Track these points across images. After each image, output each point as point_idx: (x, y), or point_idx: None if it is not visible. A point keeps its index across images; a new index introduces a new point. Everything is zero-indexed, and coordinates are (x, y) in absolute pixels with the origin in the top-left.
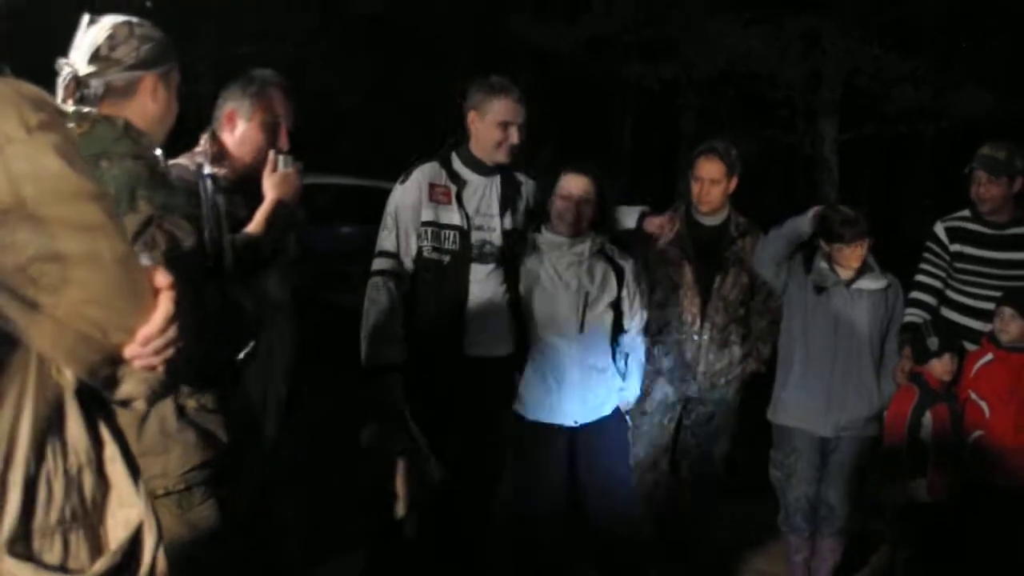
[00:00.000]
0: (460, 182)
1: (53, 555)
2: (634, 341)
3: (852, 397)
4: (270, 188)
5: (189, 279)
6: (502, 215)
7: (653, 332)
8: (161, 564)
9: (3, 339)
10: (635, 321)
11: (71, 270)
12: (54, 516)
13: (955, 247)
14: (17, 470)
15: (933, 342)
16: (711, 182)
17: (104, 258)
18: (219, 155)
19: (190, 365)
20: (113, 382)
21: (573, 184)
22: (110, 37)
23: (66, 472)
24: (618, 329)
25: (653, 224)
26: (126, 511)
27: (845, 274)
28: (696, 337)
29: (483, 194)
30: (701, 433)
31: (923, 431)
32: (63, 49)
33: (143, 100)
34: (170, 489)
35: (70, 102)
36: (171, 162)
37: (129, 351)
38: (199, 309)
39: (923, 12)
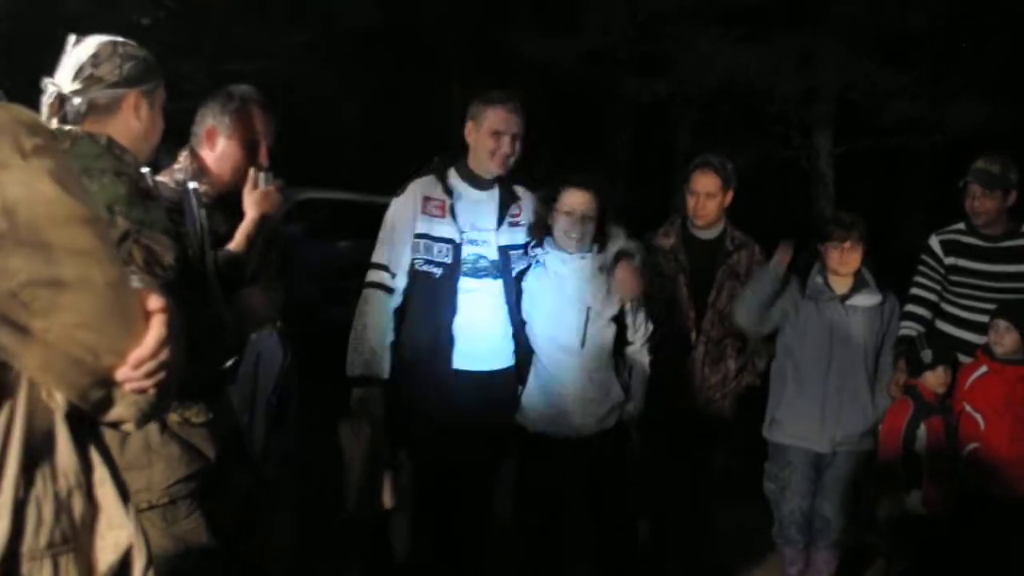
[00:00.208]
0: (455, 196)
1: None
2: (638, 354)
3: (847, 411)
4: (251, 205)
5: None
6: (499, 229)
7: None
8: None
9: None
10: (639, 334)
11: (63, 295)
12: (43, 540)
13: (950, 260)
14: (6, 494)
15: (927, 355)
16: (707, 196)
17: (96, 282)
18: (199, 172)
19: (176, 383)
20: (104, 405)
21: (576, 199)
22: (94, 56)
23: (56, 495)
24: (622, 342)
25: (620, 273)
26: (116, 533)
27: (840, 289)
28: (691, 351)
29: (479, 208)
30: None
31: (918, 444)
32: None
33: (126, 117)
34: (154, 503)
35: (54, 120)
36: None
37: (121, 374)
38: (188, 328)
39: (916, 26)
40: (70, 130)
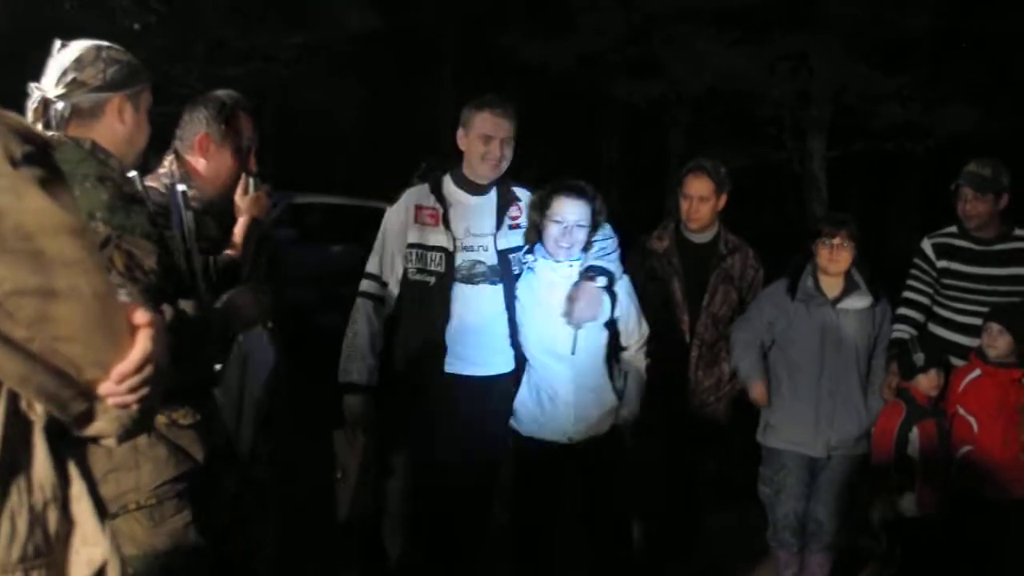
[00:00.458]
0: (448, 203)
1: None
2: (634, 359)
3: (841, 415)
4: (244, 210)
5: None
6: (497, 233)
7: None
8: None
9: None
10: (634, 338)
11: (49, 305)
12: (16, 553)
13: (942, 263)
14: None
15: (919, 358)
16: (700, 199)
17: (83, 294)
18: (186, 177)
19: (160, 401)
20: (85, 418)
21: (569, 209)
22: (77, 60)
23: (31, 508)
24: (616, 347)
25: (578, 292)
26: (90, 550)
27: (831, 292)
28: (685, 354)
29: (474, 213)
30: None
31: (910, 447)
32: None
33: (110, 121)
34: (142, 503)
35: (39, 125)
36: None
37: (103, 388)
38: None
39: (910, 30)
40: (53, 135)
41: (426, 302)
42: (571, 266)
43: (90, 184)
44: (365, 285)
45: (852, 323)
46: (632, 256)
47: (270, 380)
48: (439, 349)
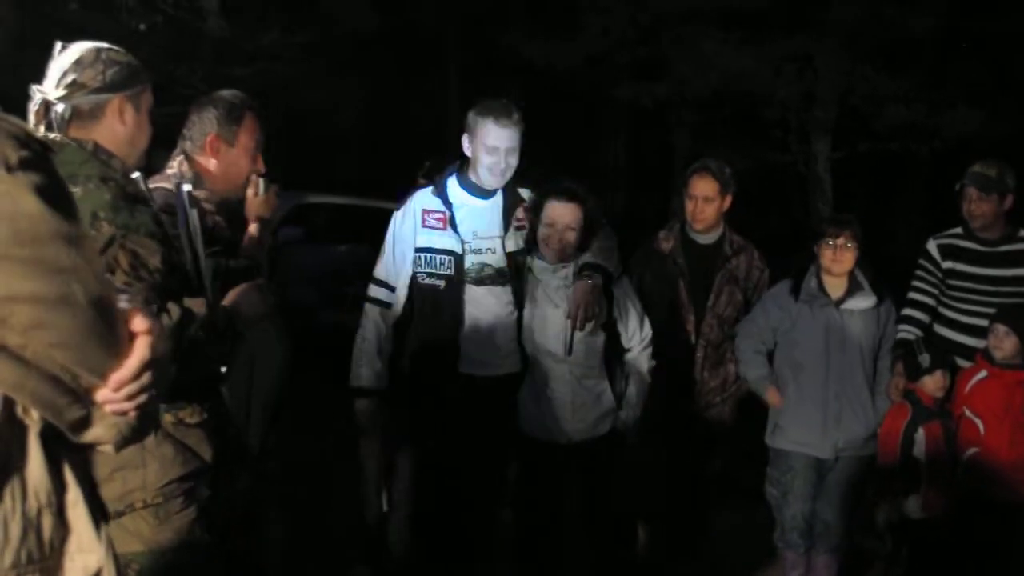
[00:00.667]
0: (456, 206)
1: None
2: (637, 359)
3: (847, 416)
4: (255, 209)
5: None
6: (505, 235)
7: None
8: None
9: None
10: (635, 339)
11: (43, 312)
12: (8, 559)
13: (947, 264)
14: None
15: (925, 359)
16: (705, 200)
17: (78, 301)
18: (198, 178)
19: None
20: (81, 425)
21: (559, 212)
22: (77, 62)
23: (24, 514)
24: (617, 349)
25: (575, 292)
26: (85, 557)
27: (835, 293)
28: (691, 355)
29: (482, 217)
30: (695, 448)
31: (916, 448)
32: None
33: (111, 122)
34: (148, 502)
35: (40, 127)
36: (152, 186)
37: (100, 395)
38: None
39: (915, 31)
40: (56, 137)
41: (437, 305)
42: (566, 267)
43: (93, 185)
44: (373, 291)
45: (856, 323)
46: (637, 257)
47: (278, 377)
48: (452, 351)
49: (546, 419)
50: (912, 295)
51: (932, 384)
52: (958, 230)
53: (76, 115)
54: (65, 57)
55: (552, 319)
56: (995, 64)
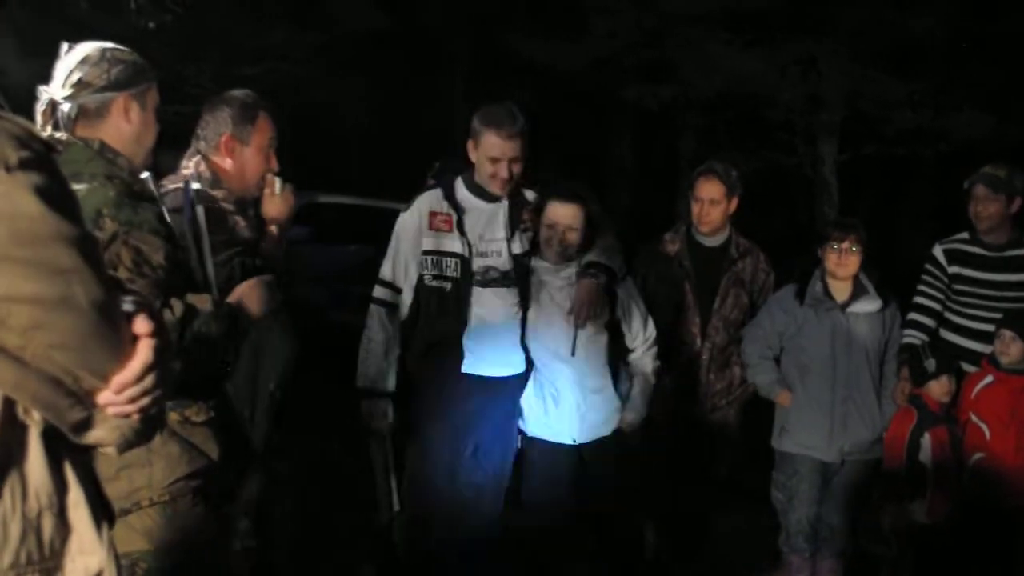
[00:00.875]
0: (461, 209)
1: None
2: (641, 360)
3: (854, 420)
4: (273, 209)
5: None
6: (511, 238)
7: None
8: None
9: None
10: (639, 339)
11: (42, 313)
12: (7, 560)
13: (953, 269)
14: None
15: (930, 364)
16: (711, 202)
17: (79, 303)
18: (215, 178)
19: (164, 412)
20: (83, 427)
21: (560, 213)
22: (82, 61)
23: (24, 515)
24: (620, 349)
25: (578, 290)
26: (86, 558)
27: (840, 296)
28: (696, 357)
29: (488, 219)
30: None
31: (922, 453)
32: None
33: (116, 121)
34: (155, 500)
35: (48, 127)
36: (171, 187)
37: (102, 398)
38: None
39: (922, 35)
40: (63, 136)
41: (442, 306)
42: (570, 268)
43: (98, 183)
44: (379, 292)
45: (862, 327)
46: (643, 259)
47: (283, 375)
48: (457, 350)
49: (551, 420)
50: (918, 300)
51: (938, 389)
52: (964, 235)
53: (82, 114)
54: (71, 57)
55: (556, 320)
56: (1003, 67)
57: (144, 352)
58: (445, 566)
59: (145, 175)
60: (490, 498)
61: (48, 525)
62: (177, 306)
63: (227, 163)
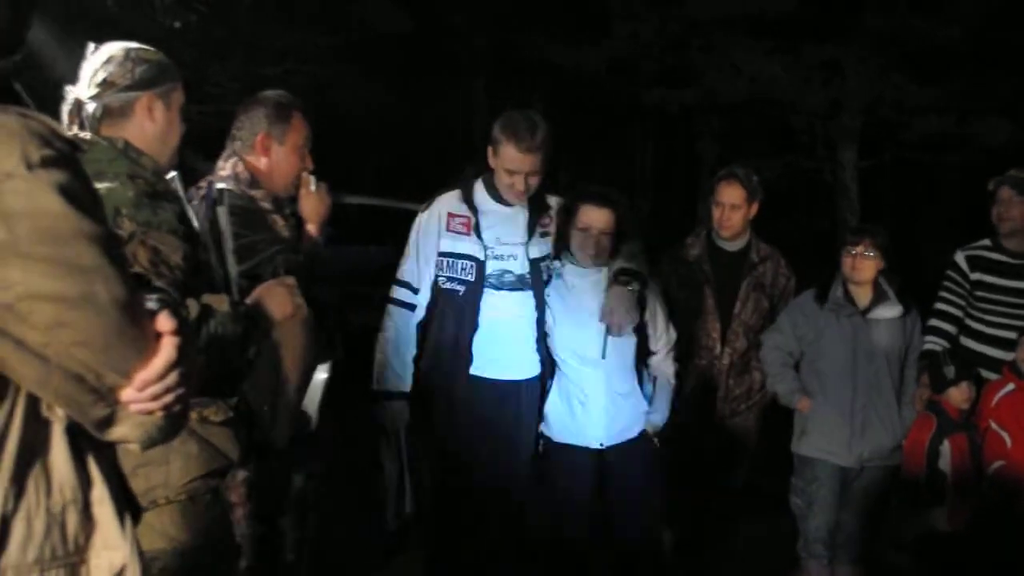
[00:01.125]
0: (479, 212)
1: None
2: (663, 363)
3: (874, 426)
4: (309, 207)
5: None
6: (529, 242)
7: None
8: None
9: None
10: (662, 342)
11: (64, 311)
12: (31, 554)
13: (975, 276)
14: None
15: (950, 370)
16: (731, 207)
17: (101, 301)
18: (252, 178)
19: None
20: (106, 423)
21: (594, 217)
22: (107, 61)
23: (48, 510)
24: (645, 352)
25: (614, 299)
26: (110, 554)
27: (861, 302)
28: (716, 362)
29: (506, 223)
30: (720, 456)
31: (941, 460)
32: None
33: (140, 120)
34: (171, 499)
35: (74, 127)
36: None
37: (125, 395)
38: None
39: (944, 41)
40: (88, 136)
41: (456, 308)
42: (600, 272)
43: (119, 182)
44: (396, 292)
45: (883, 333)
46: (664, 263)
47: (307, 374)
48: (466, 353)
49: (579, 423)
50: (939, 306)
51: (957, 396)
52: (987, 242)
53: (107, 113)
54: (96, 57)
55: (585, 323)
56: None
57: (167, 349)
58: (465, 570)
59: (172, 175)
60: (509, 503)
61: (72, 520)
62: (193, 306)
63: (262, 162)
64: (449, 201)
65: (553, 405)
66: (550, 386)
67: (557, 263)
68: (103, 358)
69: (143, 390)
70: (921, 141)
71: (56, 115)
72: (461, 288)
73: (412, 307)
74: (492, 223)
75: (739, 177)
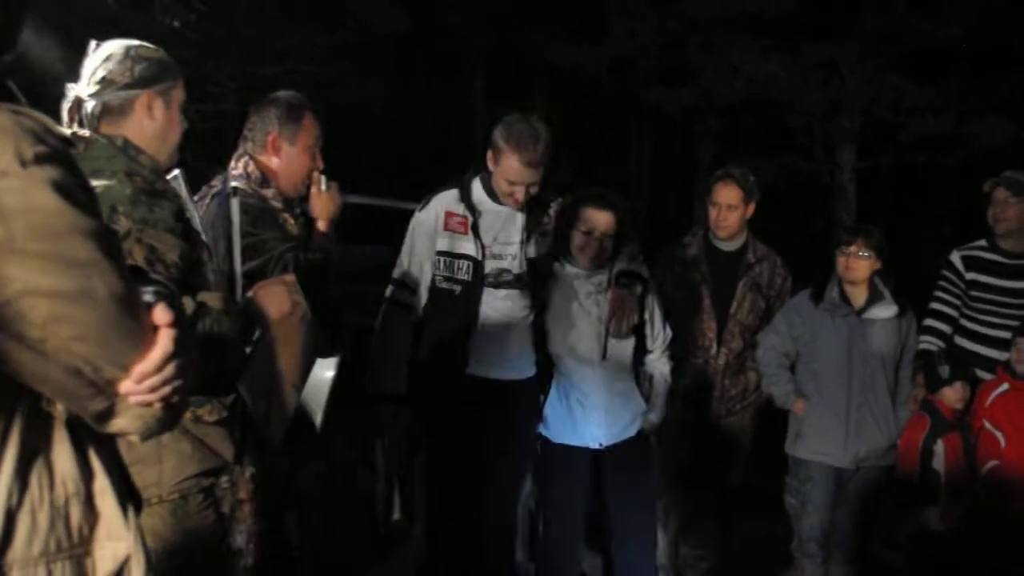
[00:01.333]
0: (477, 212)
1: None
2: (658, 361)
3: (870, 426)
4: (320, 206)
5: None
6: (526, 242)
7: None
8: None
9: None
10: (658, 341)
11: (62, 306)
12: (37, 547)
13: (971, 276)
14: None
15: (944, 370)
16: (728, 207)
17: (98, 295)
18: (263, 178)
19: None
20: (106, 416)
21: (596, 219)
22: (107, 59)
23: (52, 503)
24: (641, 351)
25: (616, 303)
26: (114, 544)
27: (857, 302)
28: (712, 362)
29: (504, 222)
30: (715, 456)
31: (935, 460)
32: None
33: (140, 118)
34: (164, 498)
35: (74, 124)
36: (216, 188)
37: (124, 387)
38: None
39: (942, 42)
40: (87, 133)
41: (452, 308)
42: (599, 273)
43: (116, 180)
44: (393, 291)
45: (878, 333)
46: (660, 263)
47: (305, 371)
48: (462, 353)
49: (578, 424)
50: (934, 306)
51: (951, 396)
52: (982, 242)
53: (106, 111)
54: (97, 55)
55: (584, 324)
56: None
57: (164, 342)
58: (462, 571)
59: (175, 173)
60: (506, 503)
61: (76, 512)
62: (188, 303)
63: (274, 162)
64: (447, 200)
65: (552, 405)
66: (549, 387)
67: (557, 264)
68: (101, 352)
69: (141, 382)
70: (919, 142)
71: (52, 114)
72: (458, 287)
73: (408, 306)
74: (490, 223)
75: (736, 177)
